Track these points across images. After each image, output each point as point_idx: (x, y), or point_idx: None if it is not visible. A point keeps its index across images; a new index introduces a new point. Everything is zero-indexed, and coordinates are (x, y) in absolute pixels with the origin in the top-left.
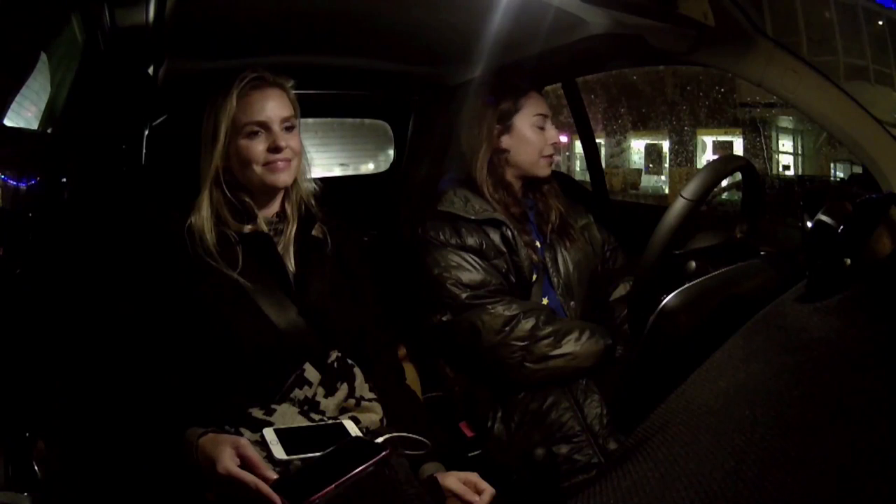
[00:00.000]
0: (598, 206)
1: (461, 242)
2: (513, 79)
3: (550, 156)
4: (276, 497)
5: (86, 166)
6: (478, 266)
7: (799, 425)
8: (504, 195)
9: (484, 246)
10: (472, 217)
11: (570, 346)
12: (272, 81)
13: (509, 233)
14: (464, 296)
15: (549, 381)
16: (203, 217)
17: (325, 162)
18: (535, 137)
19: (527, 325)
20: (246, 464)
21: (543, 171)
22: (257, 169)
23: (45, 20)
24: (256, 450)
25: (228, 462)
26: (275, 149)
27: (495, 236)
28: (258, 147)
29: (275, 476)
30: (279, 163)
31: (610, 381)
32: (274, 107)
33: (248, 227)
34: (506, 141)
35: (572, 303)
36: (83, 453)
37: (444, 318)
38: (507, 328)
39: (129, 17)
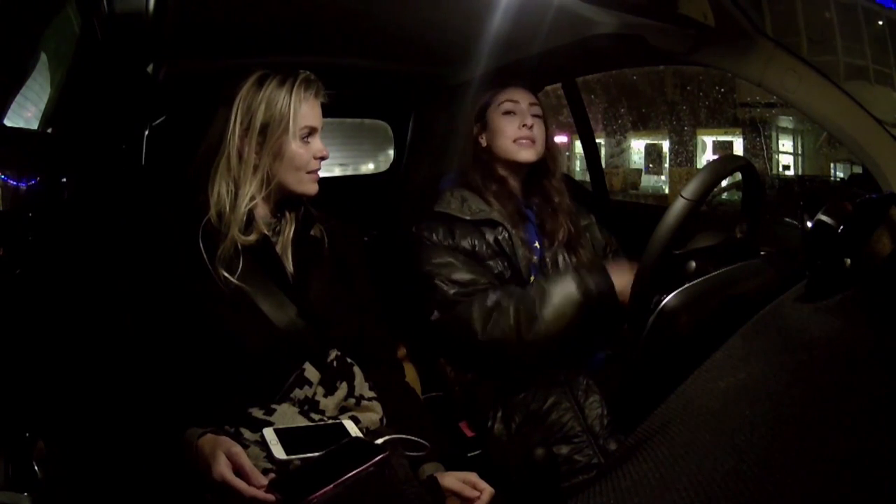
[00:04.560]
0: (598, 206)
1: (454, 244)
2: (507, 78)
3: (524, 139)
4: (271, 499)
5: (86, 166)
6: (468, 266)
7: (799, 425)
8: (498, 189)
9: (478, 247)
10: (468, 217)
11: (552, 299)
12: (319, 83)
13: (505, 233)
14: (452, 292)
15: (551, 352)
16: (240, 214)
17: (324, 162)
18: (505, 124)
19: (508, 301)
20: (238, 473)
21: (521, 154)
22: (301, 175)
23: (40, 6)
24: (255, 450)
25: (223, 468)
26: (321, 157)
27: (490, 237)
28: (309, 153)
29: (266, 482)
30: (318, 172)
31: (610, 382)
32: (320, 112)
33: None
34: (484, 137)
35: None
36: (83, 453)
37: (434, 317)
38: (496, 313)
39: (127, 4)
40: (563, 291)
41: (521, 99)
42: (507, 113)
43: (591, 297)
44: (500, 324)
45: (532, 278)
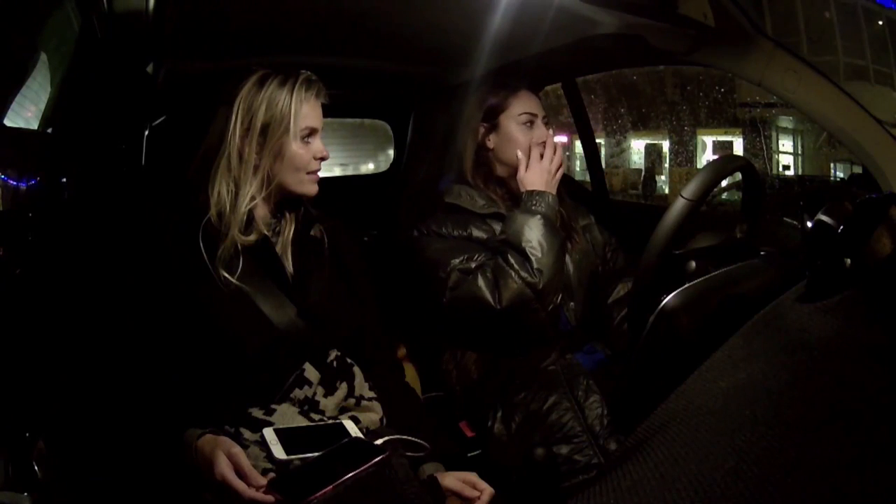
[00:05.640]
0: (598, 206)
1: (465, 234)
2: (507, 78)
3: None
4: (271, 500)
5: (86, 166)
6: (478, 249)
7: (799, 425)
8: (498, 189)
9: (490, 239)
10: (478, 211)
11: (531, 239)
12: (320, 83)
13: None
14: (459, 268)
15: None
16: (240, 214)
17: (325, 162)
18: (521, 136)
19: (502, 264)
20: (238, 473)
21: None
22: (301, 176)
23: (40, 5)
24: (255, 450)
25: (225, 468)
26: (321, 158)
27: (499, 230)
28: (309, 154)
29: (265, 483)
30: (318, 172)
31: (610, 381)
32: (321, 113)
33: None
34: (492, 139)
35: (572, 304)
36: (83, 453)
37: (439, 302)
38: (500, 280)
39: (127, 3)
40: (531, 225)
41: (537, 111)
42: (526, 124)
43: (550, 214)
44: (509, 286)
45: None
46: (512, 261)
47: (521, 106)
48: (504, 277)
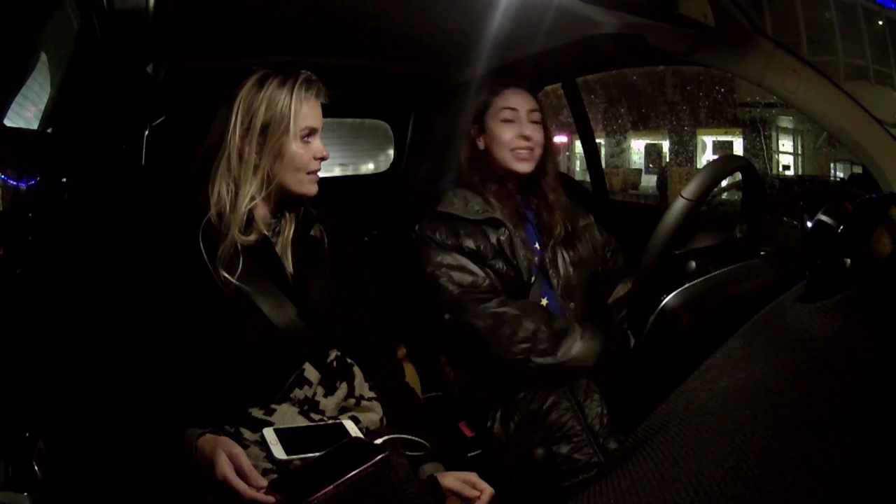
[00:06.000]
0: (598, 206)
1: (457, 244)
2: (507, 78)
3: (522, 149)
4: (271, 501)
5: (86, 166)
6: (471, 267)
7: (799, 425)
8: (497, 189)
9: (482, 248)
10: (472, 218)
11: (567, 347)
12: (320, 83)
13: (507, 234)
14: (457, 293)
15: (552, 381)
16: (240, 214)
17: (324, 162)
18: (503, 133)
19: (530, 325)
20: (238, 473)
21: (518, 166)
22: (301, 176)
23: (40, 5)
24: (255, 450)
25: (226, 468)
26: (321, 157)
27: (493, 237)
28: (309, 154)
29: (265, 484)
30: (318, 172)
31: (610, 381)
32: (321, 113)
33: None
34: (482, 140)
35: (572, 304)
36: (83, 453)
37: (440, 318)
38: (510, 330)
39: (127, 2)
40: (579, 356)
41: (520, 106)
42: (506, 121)
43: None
44: (509, 346)
45: (533, 279)
46: (532, 343)
47: (502, 102)
48: (510, 342)
